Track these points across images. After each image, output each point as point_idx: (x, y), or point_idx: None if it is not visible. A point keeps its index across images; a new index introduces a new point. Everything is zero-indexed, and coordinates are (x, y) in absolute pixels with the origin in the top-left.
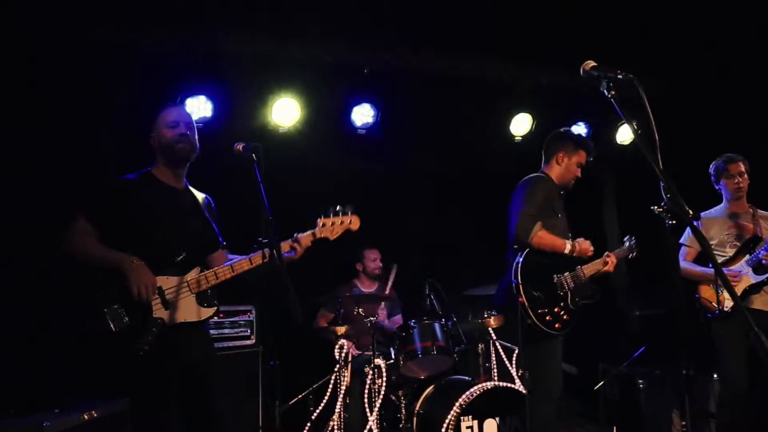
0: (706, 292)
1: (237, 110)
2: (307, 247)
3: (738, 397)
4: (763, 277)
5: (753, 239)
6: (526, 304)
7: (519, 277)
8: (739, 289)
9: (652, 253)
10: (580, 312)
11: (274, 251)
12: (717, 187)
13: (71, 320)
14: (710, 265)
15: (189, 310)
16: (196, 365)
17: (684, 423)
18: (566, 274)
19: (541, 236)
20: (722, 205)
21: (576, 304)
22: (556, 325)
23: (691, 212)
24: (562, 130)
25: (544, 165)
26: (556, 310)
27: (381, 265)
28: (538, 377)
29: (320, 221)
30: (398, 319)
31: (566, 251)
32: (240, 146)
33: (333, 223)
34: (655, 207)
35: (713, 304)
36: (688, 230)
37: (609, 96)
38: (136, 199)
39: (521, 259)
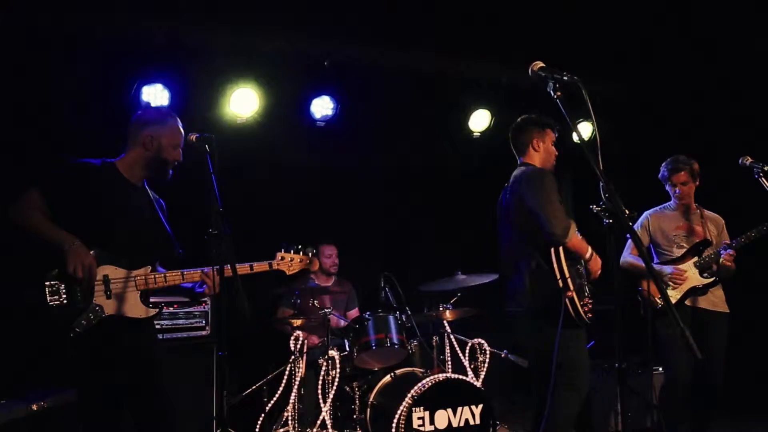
0: (647, 285)
1: (194, 99)
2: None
3: (680, 390)
4: (708, 281)
5: (703, 242)
6: (576, 299)
7: (566, 272)
8: (683, 288)
9: (601, 250)
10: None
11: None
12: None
13: (12, 294)
14: (656, 260)
15: (132, 306)
16: (142, 359)
17: (623, 415)
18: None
19: (576, 237)
20: (671, 203)
21: (592, 292)
22: (589, 315)
23: (627, 212)
24: (519, 119)
25: (522, 158)
26: (585, 300)
27: (337, 261)
28: (573, 375)
29: (279, 255)
30: (354, 312)
31: (586, 258)
32: (194, 136)
33: (292, 260)
34: (594, 206)
35: (655, 299)
36: (637, 224)
37: (555, 97)
38: (97, 187)
39: (562, 255)
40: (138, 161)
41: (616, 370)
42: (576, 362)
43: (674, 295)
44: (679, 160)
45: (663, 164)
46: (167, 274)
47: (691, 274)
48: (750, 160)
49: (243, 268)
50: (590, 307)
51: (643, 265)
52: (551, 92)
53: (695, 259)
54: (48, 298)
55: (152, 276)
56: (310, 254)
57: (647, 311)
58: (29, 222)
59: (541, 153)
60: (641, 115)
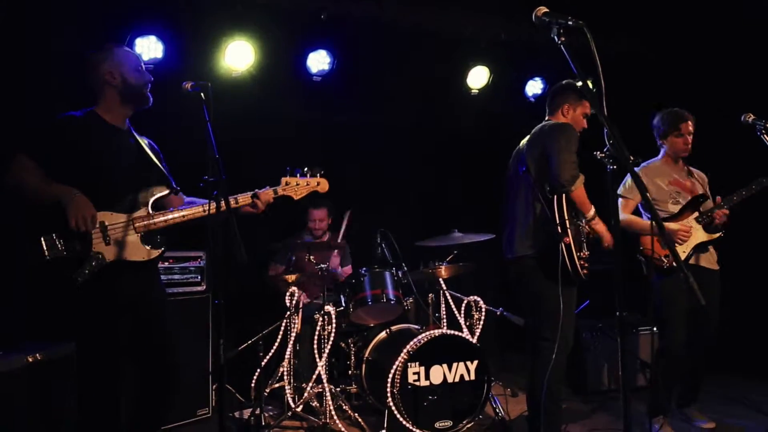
0: (649, 244)
1: (189, 52)
2: (268, 203)
3: (679, 349)
4: (716, 235)
5: (701, 196)
6: (573, 245)
7: (566, 220)
8: (689, 245)
9: (597, 206)
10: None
11: (224, 200)
12: (659, 142)
13: (10, 249)
14: (648, 218)
15: (133, 250)
16: (145, 305)
17: (622, 363)
18: (584, 221)
19: (581, 190)
20: (659, 159)
21: (590, 252)
22: (584, 271)
23: (632, 158)
24: (564, 82)
25: (550, 117)
26: (583, 254)
27: (323, 227)
28: (556, 326)
29: (284, 180)
30: (348, 269)
31: (588, 216)
32: (189, 85)
33: (298, 184)
34: (597, 152)
35: (661, 257)
36: (625, 181)
37: (559, 42)
38: (83, 137)
39: (564, 204)
40: (113, 99)
41: (616, 319)
42: (563, 318)
43: (682, 251)
44: (682, 110)
45: (661, 118)
46: (166, 214)
47: (696, 230)
48: (752, 117)
49: (245, 198)
50: (587, 265)
51: (643, 222)
52: (555, 38)
53: (695, 214)
54: (46, 252)
55: (151, 218)
56: (318, 175)
57: (650, 271)
58: (24, 184)
59: (568, 119)
60: (638, 68)
